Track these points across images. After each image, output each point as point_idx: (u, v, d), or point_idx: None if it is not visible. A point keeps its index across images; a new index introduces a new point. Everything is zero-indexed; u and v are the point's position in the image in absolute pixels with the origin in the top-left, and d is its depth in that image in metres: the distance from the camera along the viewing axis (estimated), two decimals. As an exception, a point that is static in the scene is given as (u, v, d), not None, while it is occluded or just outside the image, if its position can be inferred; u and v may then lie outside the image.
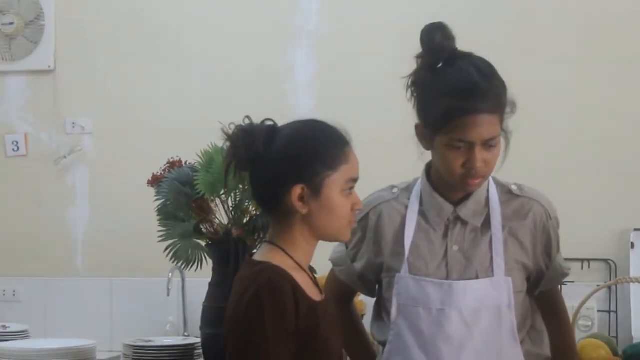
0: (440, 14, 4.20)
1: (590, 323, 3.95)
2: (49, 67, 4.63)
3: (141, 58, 4.54)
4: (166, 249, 3.33)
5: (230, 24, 4.49)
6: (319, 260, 2.57)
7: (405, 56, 4.24)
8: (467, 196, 2.55)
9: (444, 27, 2.49)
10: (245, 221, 3.33)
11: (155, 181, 3.41)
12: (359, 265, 2.65)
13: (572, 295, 3.88)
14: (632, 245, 4.11)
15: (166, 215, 3.38)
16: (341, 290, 2.75)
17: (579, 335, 3.69)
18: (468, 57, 2.48)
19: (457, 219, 2.54)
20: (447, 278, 2.51)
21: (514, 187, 2.62)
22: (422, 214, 2.55)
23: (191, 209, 3.34)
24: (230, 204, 3.36)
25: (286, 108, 4.33)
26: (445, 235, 2.54)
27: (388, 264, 2.56)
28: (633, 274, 4.02)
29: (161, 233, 3.35)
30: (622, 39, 4.20)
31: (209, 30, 4.51)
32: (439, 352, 2.47)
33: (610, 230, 4.16)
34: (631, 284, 3.89)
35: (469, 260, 2.53)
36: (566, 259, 4.04)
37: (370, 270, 2.63)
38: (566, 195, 4.15)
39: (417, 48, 4.16)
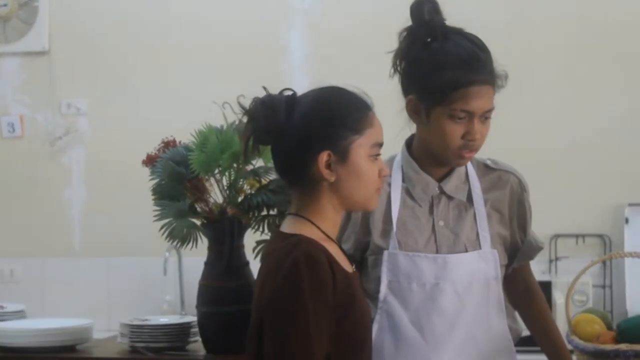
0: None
1: (585, 298, 3.97)
2: (44, 48, 4.64)
3: (135, 39, 4.55)
4: (161, 228, 3.33)
5: (225, 4, 4.49)
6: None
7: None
8: (449, 172, 2.56)
9: (433, 1, 2.50)
10: (239, 200, 3.34)
11: (149, 161, 3.42)
12: (345, 247, 2.58)
13: (566, 271, 3.92)
14: (627, 220, 4.13)
15: (161, 194, 3.38)
16: None
17: (573, 310, 3.67)
18: (459, 31, 2.50)
19: (442, 194, 2.56)
20: (437, 253, 2.52)
21: (488, 162, 2.63)
22: (406, 190, 2.55)
23: (186, 188, 3.34)
24: (224, 183, 3.36)
25: (281, 87, 4.30)
26: (430, 211, 2.55)
27: (376, 242, 2.54)
28: (627, 248, 4.04)
29: (156, 212, 3.36)
30: (619, 14, 4.21)
31: (204, 10, 4.51)
32: (432, 326, 2.48)
33: (605, 206, 4.19)
34: (625, 258, 3.90)
35: (457, 235, 2.54)
36: (561, 235, 4.10)
37: (358, 251, 2.60)
38: (560, 172, 4.18)
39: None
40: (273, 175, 3.29)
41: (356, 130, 2.24)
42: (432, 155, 2.54)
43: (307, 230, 2.24)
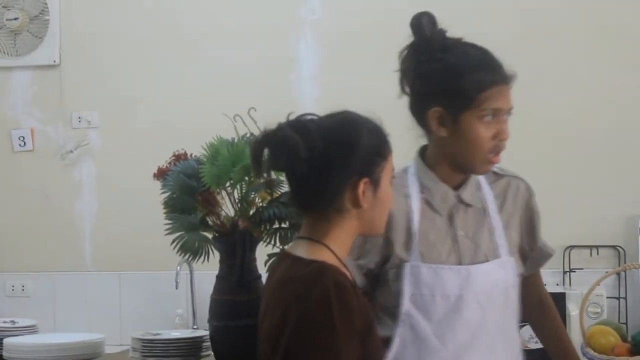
0: (442, 3, 4.25)
1: (599, 310, 3.94)
2: (54, 61, 4.64)
3: (145, 51, 4.55)
4: (173, 241, 3.33)
5: (235, 15, 4.49)
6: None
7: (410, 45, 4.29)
8: (465, 180, 2.55)
9: (429, 14, 2.53)
10: (251, 213, 3.33)
11: (160, 174, 3.41)
12: (365, 262, 2.55)
13: (581, 282, 3.89)
14: (641, 231, 4.11)
15: (172, 208, 3.38)
16: None
17: (588, 322, 3.67)
18: (460, 41, 2.52)
19: (460, 202, 2.54)
20: (460, 264, 2.50)
21: (495, 168, 2.62)
22: (424, 200, 2.54)
23: (197, 202, 3.34)
24: (236, 196, 3.35)
25: (291, 99, 4.33)
26: (450, 220, 2.53)
27: (399, 255, 2.51)
28: (642, 260, 4.01)
29: (167, 226, 3.35)
30: (625, 26, 4.19)
31: (213, 22, 4.51)
32: (455, 337, 2.45)
33: (618, 217, 4.15)
34: (640, 270, 3.88)
35: (477, 244, 2.53)
36: (575, 246, 4.07)
37: (378, 265, 2.56)
38: (574, 182, 4.16)
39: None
40: (285, 188, 3.28)
41: (384, 157, 2.23)
42: (454, 164, 2.52)
43: (326, 256, 2.20)
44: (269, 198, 3.30)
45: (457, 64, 2.46)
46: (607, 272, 3.49)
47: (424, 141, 2.57)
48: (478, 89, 2.43)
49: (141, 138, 4.50)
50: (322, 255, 2.20)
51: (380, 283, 2.55)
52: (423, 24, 2.51)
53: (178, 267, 4.01)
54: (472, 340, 2.47)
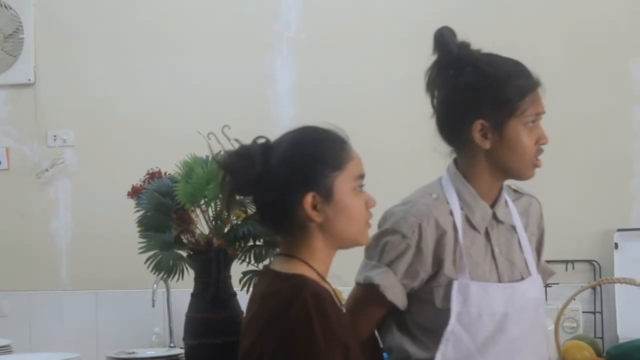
0: (419, 22, 4.27)
1: (575, 324, 3.95)
2: (29, 80, 4.62)
3: (120, 69, 4.54)
4: (147, 260, 3.32)
5: (210, 32, 4.49)
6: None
7: (386, 61, 4.32)
8: (498, 197, 2.55)
9: (450, 28, 2.51)
10: (226, 231, 3.33)
11: (134, 192, 3.41)
12: (410, 282, 2.47)
13: (556, 297, 3.89)
14: (616, 246, 4.11)
15: (147, 226, 3.37)
16: (379, 319, 2.54)
17: (564, 337, 3.69)
18: (486, 52, 2.52)
19: (494, 220, 2.54)
20: (499, 282, 2.49)
21: (513, 186, 2.63)
22: (464, 217, 2.50)
23: (171, 220, 3.33)
24: (210, 214, 3.35)
25: (268, 115, 4.33)
26: (487, 237, 2.52)
27: (447, 273, 2.45)
28: (617, 274, 4.01)
29: (141, 244, 3.34)
30: (610, 45, 4.21)
31: (188, 40, 4.50)
32: (498, 355, 2.43)
33: (594, 231, 4.16)
34: (616, 284, 3.88)
35: (512, 262, 2.52)
36: (550, 261, 4.07)
37: (417, 282, 2.48)
38: (550, 197, 4.13)
39: (397, 53, 4.25)
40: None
41: (336, 167, 2.21)
42: (499, 174, 2.51)
43: (303, 271, 2.20)
44: (243, 216, 3.30)
45: (496, 73, 2.46)
46: (582, 286, 3.50)
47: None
48: (520, 95, 2.44)
49: (117, 156, 4.49)
50: (300, 269, 2.20)
51: (421, 302, 2.49)
52: (447, 39, 2.49)
53: (154, 286, 4.00)
54: (511, 358, 2.45)
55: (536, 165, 2.51)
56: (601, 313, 4.11)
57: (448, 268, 2.45)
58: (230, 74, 4.44)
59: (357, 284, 2.51)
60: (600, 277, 4.11)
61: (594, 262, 4.16)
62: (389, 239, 2.44)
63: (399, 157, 4.23)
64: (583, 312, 4.03)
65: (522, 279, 2.52)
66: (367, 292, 2.46)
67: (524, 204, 2.63)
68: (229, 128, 3.23)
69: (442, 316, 2.44)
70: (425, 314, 2.48)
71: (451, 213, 2.47)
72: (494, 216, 2.53)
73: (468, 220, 2.50)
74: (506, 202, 2.57)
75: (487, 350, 2.43)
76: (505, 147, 2.47)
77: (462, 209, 2.49)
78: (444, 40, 2.49)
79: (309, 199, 2.18)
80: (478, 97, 2.45)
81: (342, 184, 2.21)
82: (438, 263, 2.45)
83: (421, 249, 2.44)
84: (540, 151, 2.50)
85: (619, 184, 4.20)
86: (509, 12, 4.26)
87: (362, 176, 2.26)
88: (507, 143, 2.47)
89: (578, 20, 4.26)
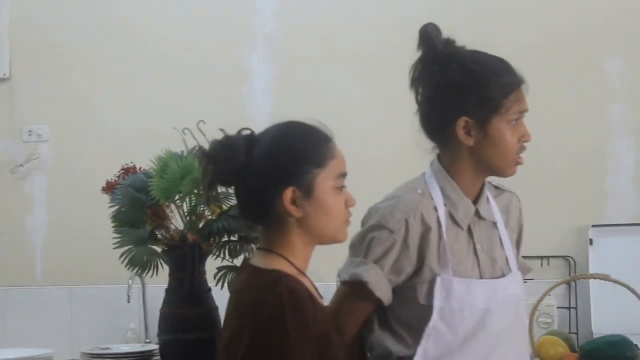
0: (396, 19, 4.28)
1: (550, 320, 3.96)
2: (4, 75, 4.59)
3: (96, 64, 4.52)
4: (121, 255, 3.31)
5: (186, 28, 4.48)
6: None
7: (362, 58, 4.32)
8: (480, 194, 2.55)
9: (435, 25, 2.51)
10: (201, 226, 3.32)
11: (109, 188, 3.40)
12: (397, 279, 2.47)
13: (532, 293, 3.86)
14: (591, 242, 4.14)
15: (121, 222, 3.37)
16: (366, 316, 2.52)
17: (538, 333, 3.69)
18: (471, 49, 2.52)
19: (476, 217, 2.54)
20: (481, 278, 2.49)
21: (494, 183, 2.64)
22: (448, 213, 2.50)
23: (146, 215, 3.32)
24: (185, 210, 3.34)
25: (244, 112, 4.33)
26: (470, 234, 2.52)
27: (433, 269, 2.46)
28: (592, 270, 4.03)
29: (116, 240, 3.33)
30: (585, 44, 4.23)
31: (165, 35, 4.49)
32: (479, 351, 2.44)
33: (569, 227, 4.19)
34: (590, 280, 3.90)
35: (493, 259, 2.53)
36: (526, 257, 4.07)
37: (402, 277, 2.48)
38: (524, 193, 4.15)
39: (373, 50, 4.26)
40: (234, 201, 3.26)
41: (319, 164, 2.22)
42: (481, 171, 2.52)
43: (282, 266, 2.21)
44: (218, 211, 3.29)
45: (481, 71, 2.46)
46: (557, 282, 3.51)
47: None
48: (504, 93, 2.45)
49: (92, 152, 4.47)
50: (278, 264, 2.21)
51: (403, 299, 2.48)
52: (433, 36, 2.49)
53: (130, 281, 3.99)
54: (492, 354, 2.46)
55: (519, 163, 2.52)
56: (576, 309, 4.13)
57: (432, 264, 2.46)
58: (206, 70, 4.43)
59: (344, 282, 2.50)
60: (575, 273, 4.12)
61: (569, 258, 4.17)
62: (375, 235, 2.44)
63: (374, 155, 4.23)
64: (558, 307, 4.04)
65: (503, 275, 2.52)
66: (355, 290, 2.45)
67: (504, 201, 2.64)
68: (205, 124, 3.23)
69: (425, 312, 2.44)
70: (408, 310, 2.48)
71: (435, 209, 2.48)
72: (477, 213, 2.53)
73: (451, 217, 2.50)
74: (488, 199, 2.58)
75: (467, 346, 2.44)
76: (488, 144, 2.48)
77: (445, 205, 2.50)
78: (429, 37, 2.50)
79: (288, 193, 2.19)
80: (463, 95, 2.46)
81: (323, 181, 2.21)
82: (422, 259, 2.46)
83: (408, 244, 2.44)
84: (523, 149, 2.51)
85: (594, 180, 4.22)
86: (484, 11, 4.27)
87: (344, 175, 2.27)
88: (491, 140, 2.48)
89: (553, 19, 4.28)
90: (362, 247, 2.46)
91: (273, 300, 2.12)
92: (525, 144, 2.51)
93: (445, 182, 2.52)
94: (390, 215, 2.43)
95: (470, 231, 2.52)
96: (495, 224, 2.57)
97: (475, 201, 2.54)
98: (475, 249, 2.51)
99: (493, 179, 2.63)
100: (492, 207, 2.58)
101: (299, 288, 2.17)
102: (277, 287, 2.14)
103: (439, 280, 2.44)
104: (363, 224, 2.50)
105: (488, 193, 2.59)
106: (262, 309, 2.12)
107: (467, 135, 2.47)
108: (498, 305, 2.47)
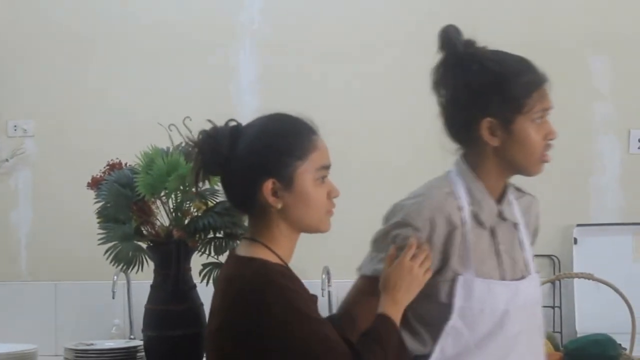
0: (384, 16, 4.28)
1: (534, 319, 3.97)
2: (-11, 69, 4.59)
3: (81, 59, 4.50)
4: (106, 251, 3.31)
5: (172, 23, 4.47)
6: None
7: (350, 54, 4.32)
8: (503, 194, 2.55)
9: (455, 26, 2.52)
10: (186, 222, 3.32)
11: (94, 183, 3.39)
12: None
13: (515, 292, 3.91)
14: (575, 241, 4.15)
15: (106, 217, 3.36)
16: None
17: (522, 331, 3.70)
18: (492, 49, 2.53)
19: (499, 217, 2.53)
20: (502, 279, 2.49)
21: (514, 185, 2.63)
22: (472, 213, 2.50)
23: (132, 211, 3.32)
24: (171, 206, 3.34)
25: (230, 108, 4.31)
26: (492, 234, 2.51)
27: (454, 268, 2.46)
28: (576, 269, 4.05)
29: (101, 236, 3.33)
30: (570, 42, 4.24)
31: (150, 30, 4.48)
32: (496, 351, 2.44)
33: (553, 226, 4.19)
34: (574, 279, 3.92)
35: (514, 260, 2.53)
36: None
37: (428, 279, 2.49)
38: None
39: (360, 45, 4.26)
40: (219, 198, 3.27)
41: (299, 157, 2.25)
42: (507, 170, 2.52)
43: (265, 255, 2.25)
44: (203, 208, 3.30)
45: (504, 71, 2.46)
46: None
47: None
48: (528, 92, 2.46)
49: (78, 146, 4.46)
50: (261, 253, 2.25)
51: (424, 296, 2.47)
52: (452, 37, 2.50)
53: (115, 277, 3.98)
54: (508, 356, 2.46)
55: (544, 161, 2.52)
56: (560, 307, 4.14)
57: (455, 263, 2.46)
58: (193, 66, 4.42)
59: (363, 276, 2.53)
60: (560, 271, 4.13)
61: (553, 257, 4.19)
62: (399, 232, 2.44)
63: (359, 150, 4.23)
64: (542, 306, 4.04)
65: (522, 277, 2.52)
66: (375, 285, 2.45)
67: (525, 202, 2.64)
68: (190, 120, 3.23)
69: (445, 310, 2.45)
70: (428, 308, 2.48)
71: (459, 208, 2.48)
72: (499, 213, 2.53)
73: (475, 217, 2.49)
74: (510, 200, 2.58)
75: (485, 346, 2.44)
76: (514, 143, 2.48)
77: (470, 205, 2.50)
78: (449, 38, 2.50)
79: (268, 185, 2.23)
80: (485, 95, 2.46)
81: (303, 173, 2.25)
82: (445, 258, 2.46)
83: (432, 242, 2.44)
84: (548, 147, 2.51)
85: (578, 179, 4.23)
86: (469, 10, 4.27)
87: (326, 167, 2.30)
88: (516, 140, 2.48)
89: (538, 18, 4.29)
90: (385, 242, 2.47)
91: (262, 286, 2.16)
92: (552, 140, 2.51)
93: (472, 182, 2.52)
94: (416, 213, 2.43)
95: (492, 231, 2.51)
96: (516, 225, 2.57)
97: (498, 202, 2.54)
98: (497, 249, 2.51)
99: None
100: (514, 208, 2.58)
101: (285, 271, 2.23)
102: (268, 274, 2.18)
103: (460, 280, 2.45)
104: (386, 220, 2.50)
105: (511, 195, 2.58)
106: (254, 296, 2.16)
107: (492, 136, 2.47)
108: (517, 307, 2.47)
